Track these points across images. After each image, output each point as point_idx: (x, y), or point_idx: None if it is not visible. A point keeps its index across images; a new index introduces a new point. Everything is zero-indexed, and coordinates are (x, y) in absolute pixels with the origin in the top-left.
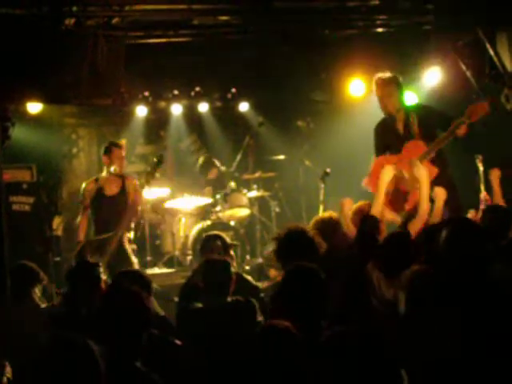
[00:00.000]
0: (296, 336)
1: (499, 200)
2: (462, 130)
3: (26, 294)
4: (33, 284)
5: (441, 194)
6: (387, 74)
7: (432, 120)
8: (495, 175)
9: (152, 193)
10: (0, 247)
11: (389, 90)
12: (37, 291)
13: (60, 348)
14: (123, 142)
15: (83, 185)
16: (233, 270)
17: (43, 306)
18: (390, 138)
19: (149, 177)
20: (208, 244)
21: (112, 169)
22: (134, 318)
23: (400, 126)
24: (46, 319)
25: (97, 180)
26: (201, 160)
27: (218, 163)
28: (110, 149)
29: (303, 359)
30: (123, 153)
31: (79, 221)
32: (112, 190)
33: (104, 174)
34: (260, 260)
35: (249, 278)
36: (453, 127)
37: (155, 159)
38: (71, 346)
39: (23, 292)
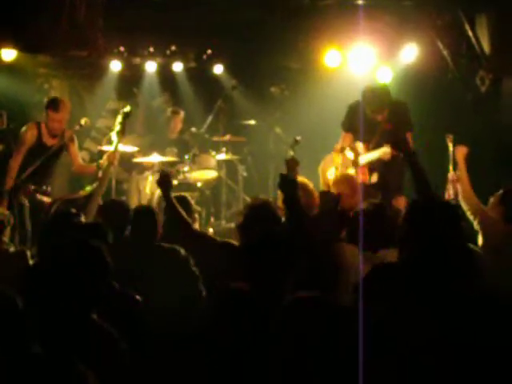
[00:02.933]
0: (250, 297)
1: (464, 179)
2: (386, 155)
3: None
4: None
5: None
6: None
7: (400, 120)
8: (461, 152)
9: (120, 148)
10: None
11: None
12: (4, 237)
13: None
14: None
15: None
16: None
17: (12, 250)
18: (357, 121)
19: (120, 134)
20: None
21: None
22: (89, 269)
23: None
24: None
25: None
26: (168, 110)
27: (182, 113)
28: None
29: (258, 321)
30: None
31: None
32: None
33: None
34: (223, 223)
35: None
36: (381, 153)
37: (122, 115)
38: None
39: None
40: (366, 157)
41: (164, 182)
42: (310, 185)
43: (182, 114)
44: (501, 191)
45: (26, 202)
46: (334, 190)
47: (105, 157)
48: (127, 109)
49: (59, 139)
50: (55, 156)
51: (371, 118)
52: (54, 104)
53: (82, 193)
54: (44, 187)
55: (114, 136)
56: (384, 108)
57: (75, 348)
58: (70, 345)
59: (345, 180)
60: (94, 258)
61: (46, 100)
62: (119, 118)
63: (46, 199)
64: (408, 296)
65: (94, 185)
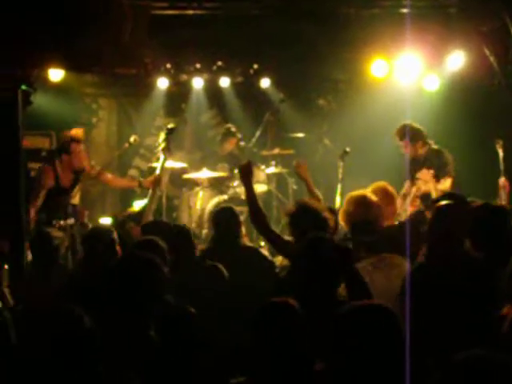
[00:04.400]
0: (297, 311)
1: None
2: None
3: (52, 260)
4: (57, 252)
5: None
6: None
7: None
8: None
9: (170, 165)
10: (18, 212)
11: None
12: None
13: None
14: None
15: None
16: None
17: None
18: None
19: (166, 151)
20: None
21: None
22: (148, 285)
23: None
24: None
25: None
26: (222, 130)
27: (239, 135)
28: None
29: (304, 335)
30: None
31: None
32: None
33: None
34: None
35: (265, 253)
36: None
37: (164, 132)
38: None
39: (50, 259)
40: None
41: (245, 172)
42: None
43: (239, 135)
44: None
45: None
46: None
47: (149, 179)
48: (170, 125)
49: (73, 179)
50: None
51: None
52: (73, 138)
53: (130, 210)
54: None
55: (160, 153)
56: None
57: (134, 365)
58: (130, 362)
59: (380, 190)
60: (151, 271)
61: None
62: (163, 135)
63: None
64: None
65: (142, 202)
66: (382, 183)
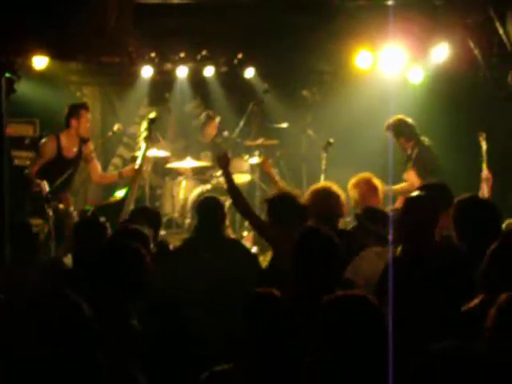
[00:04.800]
0: (282, 302)
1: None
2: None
3: (33, 251)
4: (37, 240)
5: None
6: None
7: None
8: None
9: (153, 154)
10: (2, 200)
11: None
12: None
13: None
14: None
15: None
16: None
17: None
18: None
19: (147, 140)
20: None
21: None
22: (132, 273)
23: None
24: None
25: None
26: (202, 115)
27: (217, 119)
28: (79, 111)
29: (291, 326)
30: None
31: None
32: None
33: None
34: None
35: (246, 244)
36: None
37: (147, 121)
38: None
39: (31, 250)
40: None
41: (222, 162)
42: (335, 189)
43: (217, 119)
44: None
45: (50, 212)
46: (354, 192)
47: (129, 168)
48: (153, 115)
49: (78, 151)
50: (75, 168)
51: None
52: (84, 105)
53: (111, 199)
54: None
55: (141, 142)
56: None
57: (125, 352)
58: (120, 350)
59: (364, 181)
60: (134, 259)
61: (68, 108)
62: (145, 125)
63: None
64: None
65: (124, 191)
66: (366, 174)
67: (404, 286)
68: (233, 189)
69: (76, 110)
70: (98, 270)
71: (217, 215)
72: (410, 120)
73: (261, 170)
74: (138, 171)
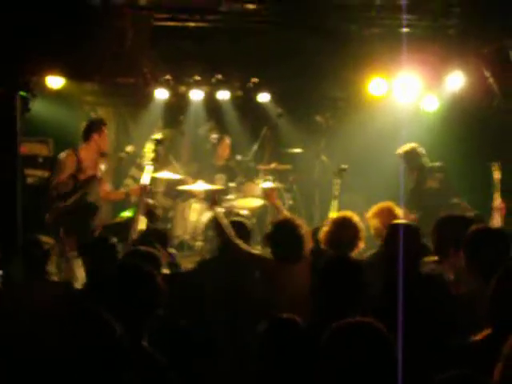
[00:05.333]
0: (302, 328)
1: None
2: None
3: (41, 268)
4: (47, 258)
5: None
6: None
7: None
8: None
9: (165, 176)
10: (14, 220)
11: None
12: (51, 266)
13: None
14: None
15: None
16: None
17: (56, 279)
18: None
19: (153, 161)
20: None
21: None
22: (144, 295)
23: None
24: (63, 293)
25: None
26: (213, 136)
27: (228, 140)
28: (101, 126)
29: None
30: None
31: None
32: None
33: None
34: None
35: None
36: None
37: (153, 142)
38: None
39: (39, 267)
40: None
41: (211, 201)
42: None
43: (227, 139)
44: None
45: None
46: (375, 221)
47: (135, 188)
48: (159, 136)
49: (95, 167)
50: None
51: None
52: (104, 120)
53: (118, 219)
54: None
55: (147, 164)
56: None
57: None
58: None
59: (387, 210)
60: (148, 283)
61: (88, 123)
62: (151, 146)
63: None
64: None
65: (131, 211)
66: (387, 203)
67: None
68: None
69: (97, 124)
70: (110, 292)
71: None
72: (419, 149)
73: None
74: (144, 190)
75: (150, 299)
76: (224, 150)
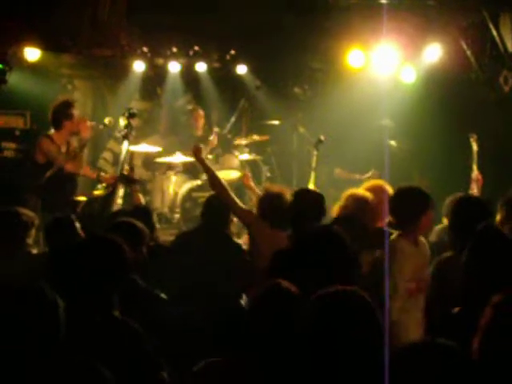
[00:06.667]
0: (297, 298)
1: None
2: None
3: (19, 241)
4: (25, 231)
5: None
6: None
7: None
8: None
9: (143, 149)
10: None
11: None
12: (29, 239)
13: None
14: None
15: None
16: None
17: (35, 252)
18: None
19: (127, 136)
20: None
21: None
22: (108, 266)
23: None
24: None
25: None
26: (188, 107)
27: (202, 112)
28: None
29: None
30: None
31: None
32: None
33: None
34: None
35: (236, 240)
36: None
37: (125, 116)
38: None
39: (16, 240)
40: None
41: (195, 152)
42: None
43: (200, 110)
44: None
45: None
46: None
47: (108, 176)
48: (132, 109)
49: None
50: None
51: None
52: (70, 101)
53: (95, 192)
54: None
55: (122, 139)
56: None
57: (97, 346)
58: (92, 344)
59: (380, 188)
60: (112, 253)
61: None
62: (124, 120)
63: None
64: None
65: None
66: (379, 181)
67: None
68: (209, 171)
69: (64, 110)
70: (76, 263)
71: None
72: None
73: (251, 166)
74: (116, 179)
75: (114, 270)
76: (198, 120)
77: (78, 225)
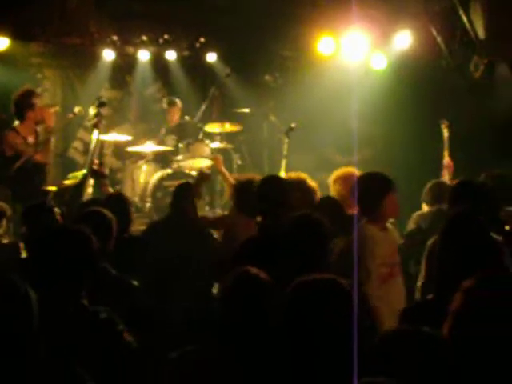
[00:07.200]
0: (267, 283)
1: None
2: None
3: None
4: None
5: None
6: None
7: None
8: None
9: (113, 138)
10: None
11: None
12: (0, 229)
13: None
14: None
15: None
16: None
17: (5, 241)
18: None
19: (97, 126)
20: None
21: None
22: (73, 256)
23: None
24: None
25: None
26: (164, 101)
27: (179, 104)
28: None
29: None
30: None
31: None
32: None
33: None
34: (218, 211)
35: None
36: None
37: (95, 105)
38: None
39: None
40: None
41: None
42: (308, 181)
43: (178, 104)
44: None
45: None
46: (340, 186)
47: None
48: (101, 98)
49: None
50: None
51: None
52: (31, 91)
53: (66, 182)
54: None
55: (93, 130)
56: None
57: (70, 336)
58: (65, 335)
59: (351, 175)
60: (78, 243)
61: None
62: (93, 110)
63: None
64: None
65: (77, 174)
66: (349, 169)
67: None
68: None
69: (26, 100)
70: (43, 254)
71: (189, 200)
72: None
73: (222, 154)
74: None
75: (81, 260)
76: (174, 115)
77: (57, 211)
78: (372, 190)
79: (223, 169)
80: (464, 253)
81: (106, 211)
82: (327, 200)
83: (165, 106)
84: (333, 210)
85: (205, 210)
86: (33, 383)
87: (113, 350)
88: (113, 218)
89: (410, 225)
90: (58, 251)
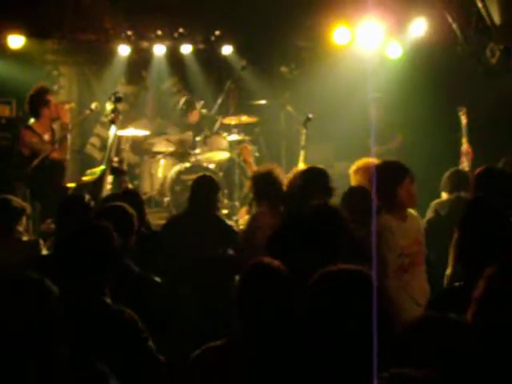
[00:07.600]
0: (285, 275)
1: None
2: None
3: (9, 229)
4: (18, 218)
5: None
6: None
7: None
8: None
9: (131, 133)
10: None
11: None
12: (20, 226)
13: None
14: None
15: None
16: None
17: (25, 239)
18: None
19: (114, 121)
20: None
21: None
22: (96, 253)
23: None
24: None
25: None
26: (181, 102)
27: (198, 105)
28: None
29: (291, 299)
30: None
31: None
32: None
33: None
34: (237, 204)
35: (227, 221)
36: None
37: (111, 100)
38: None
39: (6, 228)
40: None
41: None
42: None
43: (198, 105)
44: None
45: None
46: (361, 177)
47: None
48: (117, 93)
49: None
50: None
51: None
52: (45, 88)
53: (84, 178)
54: None
55: (110, 126)
56: None
57: (93, 334)
58: (88, 332)
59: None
60: (101, 239)
61: (29, 100)
62: (110, 105)
63: None
64: None
65: (96, 171)
66: (370, 159)
67: None
68: None
69: (40, 98)
70: (67, 251)
71: (209, 193)
72: None
73: (239, 147)
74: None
75: (104, 257)
76: (193, 116)
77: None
78: (387, 178)
79: (250, 159)
80: (482, 240)
81: (127, 206)
82: (357, 189)
83: (183, 107)
84: (362, 200)
85: (223, 203)
86: (56, 382)
87: (135, 353)
88: (134, 213)
89: (429, 213)
90: (82, 247)
